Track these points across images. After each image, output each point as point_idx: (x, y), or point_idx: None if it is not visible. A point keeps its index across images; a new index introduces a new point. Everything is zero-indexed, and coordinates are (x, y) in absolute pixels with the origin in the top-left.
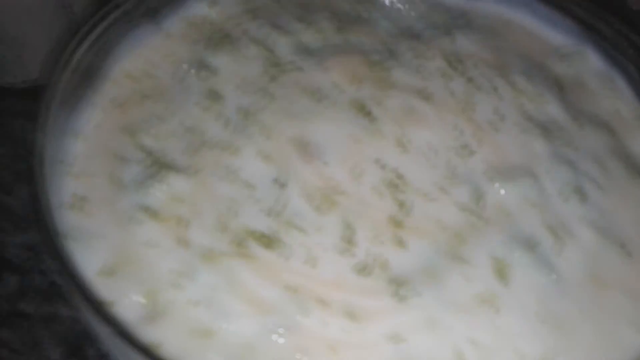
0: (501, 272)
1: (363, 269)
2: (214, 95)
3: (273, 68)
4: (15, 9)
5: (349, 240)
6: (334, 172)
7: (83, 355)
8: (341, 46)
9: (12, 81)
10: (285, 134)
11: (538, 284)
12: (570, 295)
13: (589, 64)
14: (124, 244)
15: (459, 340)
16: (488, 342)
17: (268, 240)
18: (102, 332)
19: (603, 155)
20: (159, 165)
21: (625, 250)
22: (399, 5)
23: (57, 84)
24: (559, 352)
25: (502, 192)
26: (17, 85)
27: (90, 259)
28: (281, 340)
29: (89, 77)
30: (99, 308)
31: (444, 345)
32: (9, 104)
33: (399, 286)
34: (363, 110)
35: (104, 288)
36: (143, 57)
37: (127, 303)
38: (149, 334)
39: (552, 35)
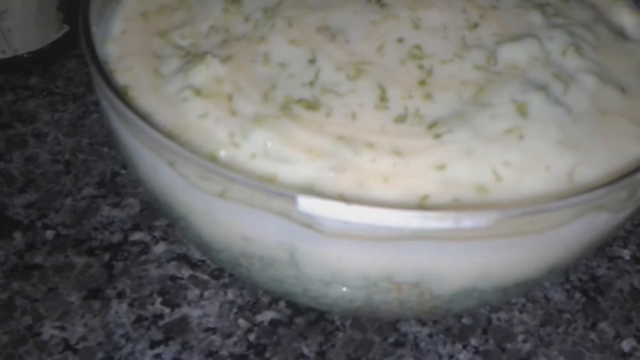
0: (521, 109)
1: (399, 118)
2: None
3: None
4: None
5: (381, 97)
6: (357, 48)
7: (104, 296)
8: None
9: (0, 56)
10: (306, 22)
11: (553, 115)
12: (581, 122)
13: None
14: (178, 118)
15: (494, 163)
16: (519, 163)
17: (309, 104)
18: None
19: (590, 23)
20: (195, 55)
21: (622, 89)
22: None
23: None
24: (579, 164)
25: (510, 51)
26: (0, 59)
27: None
28: (338, 177)
29: None
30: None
31: (482, 168)
32: None
33: (434, 127)
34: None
35: None
36: None
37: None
38: None
39: None
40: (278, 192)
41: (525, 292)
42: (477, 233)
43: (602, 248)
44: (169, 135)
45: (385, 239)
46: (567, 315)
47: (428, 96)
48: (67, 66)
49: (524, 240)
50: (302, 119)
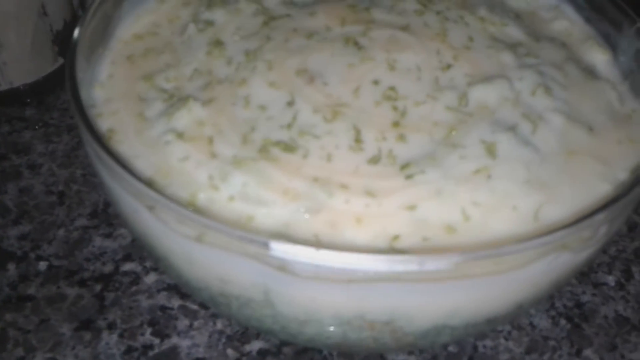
0: (490, 149)
1: (373, 159)
2: (216, 43)
3: (265, 16)
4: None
5: (356, 139)
6: (334, 90)
7: (95, 327)
8: None
9: None
10: (286, 65)
11: (521, 155)
12: (548, 162)
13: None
14: (160, 161)
15: (463, 203)
16: (487, 203)
17: (287, 146)
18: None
19: (560, 62)
20: (178, 99)
21: (590, 129)
22: None
23: (76, 47)
24: (545, 203)
25: (481, 91)
26: None
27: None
28: (313, 218)
29: (101, 39)
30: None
31: (451, 208)
32: None
33: (406, 168)
34: (352, 41)
35: None
36: (146, 20)
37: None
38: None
39: None
40: (251, 238)
41: (497, 326)
42: (442, 274)
43: (587, 274)
44: (149, 181)
45: (355, 281)
46: (552, 342)
47: (401, 137)
48: (62, 98)
49: (488, 280)
50: (279, 161)
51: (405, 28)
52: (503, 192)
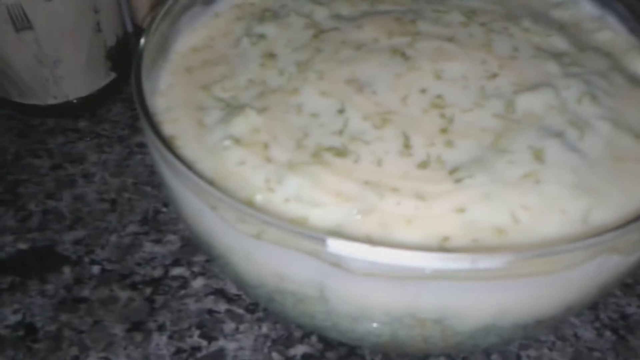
0: (538, 155)
1: (422, 164)
2: (269, 55)
3: (314, 29)
4: (56, 32)
5: (405, 145)
6: (383, 99)
7: (145, 329)
8: (370, 12)
9: (52, 102)
10: (336, 75)
11: (569, 161)
12: (596, 167)
13: (583, 11)
14: (218, 165)
15: (512, 206)
16: (536, 206)
17: (339, 151)
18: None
19: (605, 71)
20: (235, 107)
21: (636, 135)
22: None
23: (142, 56)
24: (594, 207)
25: (528, 100)
26: (51, 104)
27: None
28: (364, 219)
29: (160, 50)
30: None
31: (500, 211)
32: (48, 122)
33: (455, 172)
34: (399, 52)
35: None
36: (202, 34)
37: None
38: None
39: None
40: (309, 235)
41: (548, 329)
42: (494, 273)
43: (632, 286)
44: (211, 182)
45: (407, 278)
46: (597, 354)
47: (449, 143)
48: (114, 110)
49: (538, 281)
50: (331, 165)
51: (450, 39)
52: (551, 196)
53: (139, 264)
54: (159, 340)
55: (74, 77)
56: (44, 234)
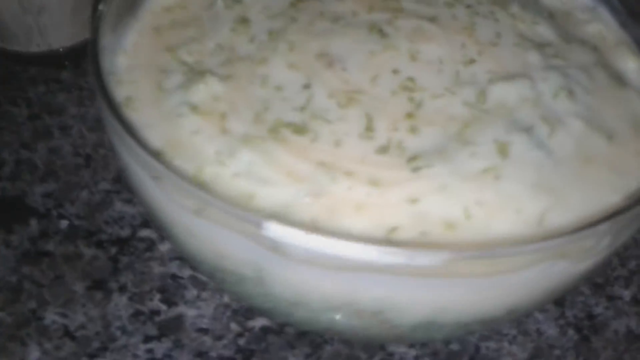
0: (502, 149)
1: (381, 149)
2: (242, 20)
3: None
4: None
5: (367, 127)
6: (353, 77)
7: (106, 288)
8: None
9: (36, 50)
10: (307, 48)
11: (533, 158)
12: (561, 167)
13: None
14: (172, 132)
15: (466, 201)
16: (491, 203)
17: (298, 128)
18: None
19: (589, 66)
20: (198, 72)
21: (609, 137)
22: None
23: (105, 14)
24: (552, 210)
25: (502, 90)
26: (35, 52)
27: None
28: (313, 202)
29: (129, 6)
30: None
31: (454, 205)
32: (30, 71)
33: (414, 160)
34: (376, 29)
35: None
36: None
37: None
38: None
39: None
40: (245, 217)
41: (492, 328)
42: (431, 271)
43: (602, 286)
44: (158, 152)
45: (344, 269)
46: (557, 352)
47: (413, 129)
48: None
49: (478, 281)
50: (287, 143)
51: (432, 19)
52: (509, 193)
53: (107, 222)
54: (119, 301)
55: (58, 26)
56: (15, 184)
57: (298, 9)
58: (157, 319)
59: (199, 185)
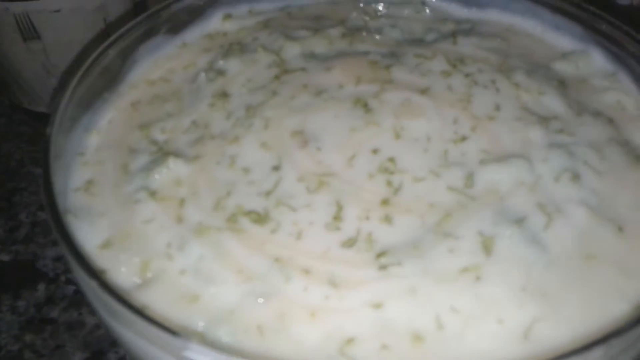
0: (486, 245)
1: (348, 242)
2: (221, 94)
3: (278, 69)
4: (64, 43)
5: (336, 217)
6: (327, 157)
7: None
8: (347, 52)
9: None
10: (283, 125)
11: (523, 255)
12: (557, 267)
13: (593, 63)
14: (124, 221)
15: (439, 308)
16: (468, 310)
17: (258, 217)
18: (93, 295)
19: (601, 143)
20: (163, 153)
21: (620, 228)
22: (407, 16)
23: (77, 87)
24: (541, 320)
25: (494, 172)
26: None
27: (92, 234)
28: (262, 305)
29: (110, 81)
30: (92, 274)
31: (424, 312)
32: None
33: (382, 256)
34: (361, 102)
35: (102, 259)
36: (162, 65)
37: (122, 272)
38: (140, 298)
39: (556, 38)
40: (167, 340)
41: None
42: None
43: None
44: (105, 243)
45: None
46: None
47: (387, 218)
48: None
49: None
50: (244, 233)
51: (424, 91)
52: (490, 299)
53: None
54: None
55: None
56: (28, 247)
57: (282, 82)
58: None
59: (129, 300)
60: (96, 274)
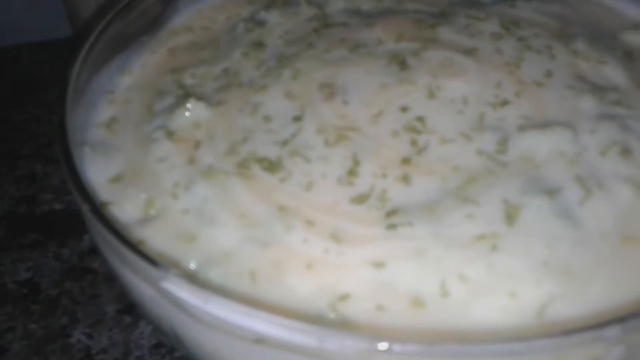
0: (510, 214)
1: (358, 198)
2: (257, 44)
3: (318, 22)
4: None
5: (351, 172)
6: (352, 112)
7: (135, 314)
8: (395, 10)
9: None
10: (312, 77)
11: (550, 229)
12: (587, 245)
13: None
14: (138, 158)
15: (446, 274)
16: (479, 280)
17: (270, 164)
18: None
19: None
20: (187, 96)
21: None
22: None
23: (109, 25)
24: (560, 299)
25: (531, 140)
26: None
27: (105, 168)
28: (258, 252)
29: (150, 25)
30: (93, 205)
31: (429, 277)
32: None
33: (392, 215)
34: (398, 60)
35: (109, 192)
36: (204, 14)
37: (126, 206)
38: (138, 234)
39: (628, 7)
40: (148, 270)
41: None
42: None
43: None
44: (115, 177)
45: (250, 341)
46: None
47: (405, 178)
48: None
49: None
50: (253, 180)
51: (469, 52)
52: (505, 271)
53: None
54: (144, 329)
55: None
56: None
57: (320, 35)
58: (177, 354)
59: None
60: (88, 196)
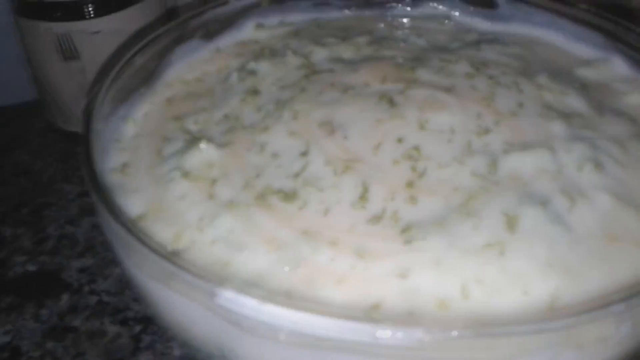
0: (511, 223)
1: (374, 220)
2: (252, 91)
3: (307, 70)
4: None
5: (362, 197)
6: (353, 145)
7: None
8: (373, 57)
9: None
10: (311, 116)
11: (547, 234)
12: (579, 244)
13: (615, 69)
14: (158, 197)
15: (464, 278)
16: (494, 281)
17: (286, 195)
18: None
19: (623, 138)
20: (197, 139)
21: None
22: (432, 28)
23: (115, 80)
24: (565, 292)
25: (517, 160)
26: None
27: (126, 209)
28: (290, 272)
29: (146, 78)
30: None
31: (450, 281)
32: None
33: (407, 231)
34: (386, 98)
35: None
36: (196, 68)
37: (155, 242)
38: None
39: (579, 48)
40: (198, 284)
41: None
42: (404, 352)
43: None
44: (139, 216)
45: (307, 346)
46: None
47: (412, 199)
48: None
49: None
50: (273, 210)
51: (448, 89)
52: (515, 271)
53: (135, 300)
54: None
55: None
56: (54, 259)
57: (310, 81)
58: None
59: (167, 254)
60: (129, 228)
